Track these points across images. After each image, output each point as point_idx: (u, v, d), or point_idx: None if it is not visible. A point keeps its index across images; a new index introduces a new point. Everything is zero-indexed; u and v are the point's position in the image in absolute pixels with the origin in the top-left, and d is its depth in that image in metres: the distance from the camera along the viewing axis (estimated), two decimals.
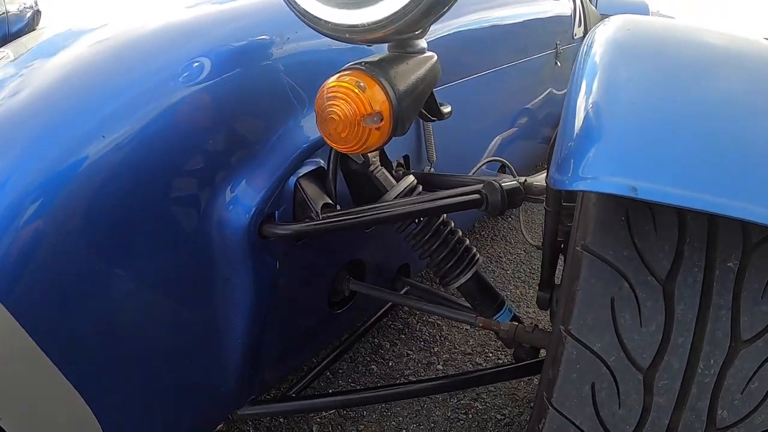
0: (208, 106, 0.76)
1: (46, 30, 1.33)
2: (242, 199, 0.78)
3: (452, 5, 0.68)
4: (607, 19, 0.88)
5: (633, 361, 0.59)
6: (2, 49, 1.24)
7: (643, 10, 3.84)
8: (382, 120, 0.64)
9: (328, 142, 0.68)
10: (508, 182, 0.89)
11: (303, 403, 1.00)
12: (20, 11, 1.61)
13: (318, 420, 1.19)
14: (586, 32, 2.81)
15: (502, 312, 1.01)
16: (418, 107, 0.74)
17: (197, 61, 0.77)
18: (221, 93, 0.78)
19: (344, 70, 0.67)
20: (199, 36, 0.84)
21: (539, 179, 1.78)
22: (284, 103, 0.85)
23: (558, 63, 2.30)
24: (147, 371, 0.79)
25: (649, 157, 0.51)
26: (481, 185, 0.87)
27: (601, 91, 0.61)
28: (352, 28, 0.65)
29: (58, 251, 0.66)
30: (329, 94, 0.65)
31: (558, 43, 2.28)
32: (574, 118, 0.60)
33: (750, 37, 0.76)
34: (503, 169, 1.72)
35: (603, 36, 0.74)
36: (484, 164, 1.32)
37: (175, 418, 0.86)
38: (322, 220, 0.80)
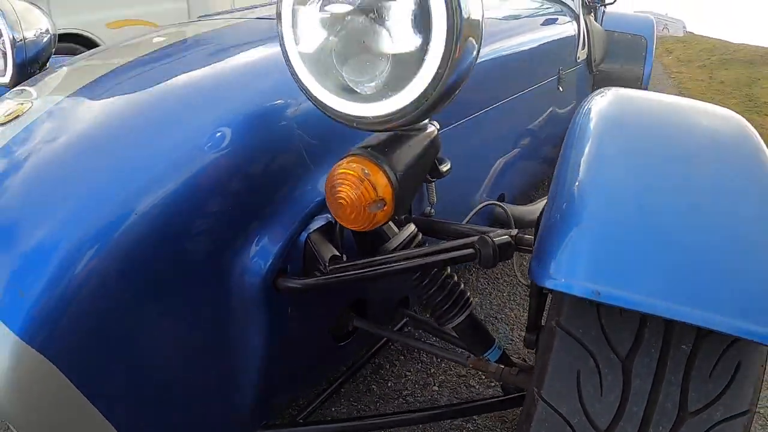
0: (230, 173, 0.85)
1: (61, 67, 1.41)
2: (259, 256, 0.87)
3: (455, 97, 0.76)
4: (602, 91, 0.96)
5: (593, 424, 0.68)
6: (23, 86, 1.32)
7: (649, 26, 3.86)
8: (385, 205, 0.73)
9: (339, 221, 0.77)
10: (500, 237, 0.97)
11: (310, 428, 1.10)
12: (37, 37, 1.66)
13: None
14: (589, 54, 2.84)
15: (491, 350, 1.10)
16: (419, 183, 0.83)
17: (220, 131, 0.86)
18: (242, 159, 0.87)
19: (351, 154, 0.76)
20: (221, 102, 0.93)
21: (534, 210, 1.84)
22: (297, 165, 0.93)
23: (560, 88, 2.34)
24: (171, 401, 0.89)
25: (614, 264, 0.60)
26: (476, 238, 0.95)
27: (585, 183, 0.69)
28: (360, 119, 0.74)
29: (100, 301, 0.75)
30: (338, 180, 0.73)
31: (560, 68, 2.33)
32: (558, 209, 0.69)
33: (739, 126, 0.82)
34: (502, 197, 1.80)
35: (594, 116, 0.83)
36: (482, 207, 1.40)
37: None
38: (329, 273, 0.89)
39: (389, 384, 1.49)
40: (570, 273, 0.60)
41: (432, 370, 1.54)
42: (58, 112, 1.01)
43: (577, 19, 2.65)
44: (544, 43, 2.18)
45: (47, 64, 1.63)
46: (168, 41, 1.32)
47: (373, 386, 1.48)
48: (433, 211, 1.29)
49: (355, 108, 0.73)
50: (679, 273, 0.59)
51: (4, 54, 1.57)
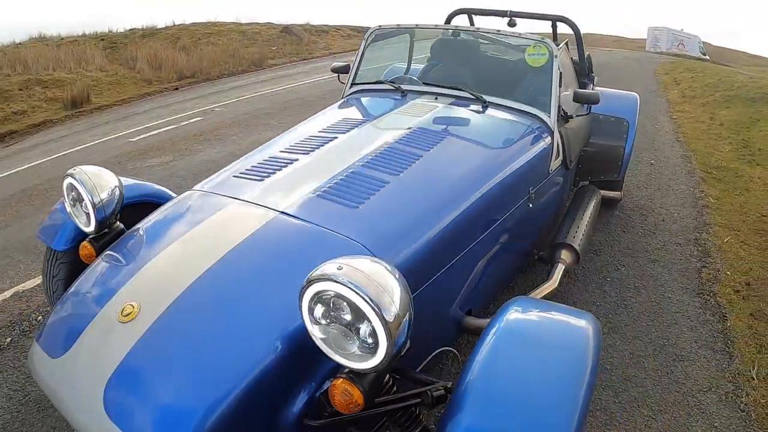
0: (280, 363, 1.48)
1: (139, 234, 1.97)
2: (296, 406, 1.51)
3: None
4: (517, 306, 1.58)
5: None
6: (115, 253, 1.87)
7: (632, 108, 4.20)
8: (359, 405, 1.38)
9: (339, 410, 1.42)
10: (437, 391, 1.59)
11: None
12: (110, 196, 2.05)
13: None
14: (565, 158, 2.96)
15: None
16: (383, 383, 1.47)
17: (276, 344, 1.51)
18: (288, 354, 1.50)
19: (341, 376, 1.38)
20: (274, 320, 1.58)
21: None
22: (316, 353, 1.55)
23: (530, 205, 2.53)
24: None
25: None
26: (424, 389, 1.59)
27: (471, 394, 1.34)
28: (347, 367, 1.38)
29: None
30: (333, 391, 1.36)
31: (531, 189, 2.53)
32: (454, 407, 1.34)
33: (588, 338, 1.46)
34: (470, 312, 2.29)
35: (502, 329, 1.47)
36: (435, 354, 1.98)
37: None
38: (334, 417, 1.55)
39: None
40: None
41: None
42: (167, 324, 1.58)
43: (552, 133, 2.79)
44: (515, 174, 2.38)
45: (119, 212, 2.14)
46: (214, 249, 1.78)
47: None
48: (408, 344, 1.89)
49: (346, 362, 1.37)
50: None
51: (87, 214, 2.06)
